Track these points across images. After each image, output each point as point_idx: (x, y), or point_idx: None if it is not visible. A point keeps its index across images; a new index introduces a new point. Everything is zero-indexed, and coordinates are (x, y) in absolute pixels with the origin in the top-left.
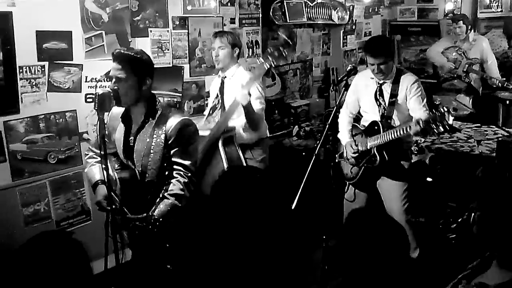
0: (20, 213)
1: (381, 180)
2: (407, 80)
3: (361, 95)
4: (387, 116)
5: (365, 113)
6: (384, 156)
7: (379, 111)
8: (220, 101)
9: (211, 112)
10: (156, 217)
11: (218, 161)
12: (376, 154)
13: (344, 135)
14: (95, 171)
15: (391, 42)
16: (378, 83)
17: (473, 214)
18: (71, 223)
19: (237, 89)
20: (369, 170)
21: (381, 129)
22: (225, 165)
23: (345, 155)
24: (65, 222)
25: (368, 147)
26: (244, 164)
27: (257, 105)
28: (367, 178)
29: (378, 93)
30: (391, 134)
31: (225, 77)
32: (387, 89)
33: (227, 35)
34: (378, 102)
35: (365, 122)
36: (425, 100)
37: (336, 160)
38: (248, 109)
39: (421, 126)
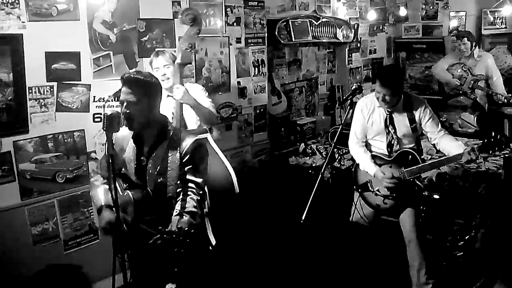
0: (29, 232)
1: None
2: (418, 104)
3: (370, 122)
4: (398, 143)
5: (374, 140)
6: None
7: (386, 138)
8: (179, 119)
9: None
10: (182, 227)
11: None
12: (417, 182)
13: (369, 165)
14: (100, 195)
15: (403, 75)
16: (388, 111)
17: (478, 231)
18: (79, 242)
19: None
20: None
21: (418, 158)
22: None
23: (374, 186)
24: (73, 241)
25: (411, 177)
26: (223, 160)
27: (207, 103)
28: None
29: (388, 121)
30: (442, 162)
31: None
32: (398, 117)
33: (168, 53)
34: (387, 130)
35: (376, 149)
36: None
37: (357, 193)
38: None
39: (476, 154)
